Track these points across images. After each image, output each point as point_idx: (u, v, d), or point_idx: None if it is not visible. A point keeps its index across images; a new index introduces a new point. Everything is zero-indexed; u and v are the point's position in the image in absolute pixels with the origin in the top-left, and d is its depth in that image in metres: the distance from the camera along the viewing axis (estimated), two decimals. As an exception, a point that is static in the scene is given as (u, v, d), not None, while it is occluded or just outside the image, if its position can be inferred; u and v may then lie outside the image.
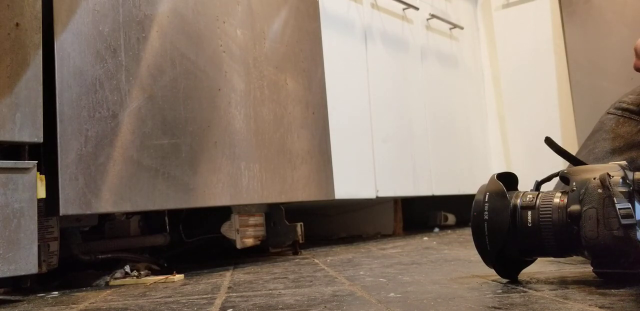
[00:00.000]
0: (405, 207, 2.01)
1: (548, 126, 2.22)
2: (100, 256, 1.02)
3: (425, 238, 1.63)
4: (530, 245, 0.69)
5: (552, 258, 0.91)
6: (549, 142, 0.77)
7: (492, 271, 0.73)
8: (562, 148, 0.75)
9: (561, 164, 1.89)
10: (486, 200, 0.70)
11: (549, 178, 0.74)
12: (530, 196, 0.69)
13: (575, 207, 0.65)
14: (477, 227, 0.70)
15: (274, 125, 1.20)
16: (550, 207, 0.67)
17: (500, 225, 0.68)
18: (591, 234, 0.63)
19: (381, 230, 1.96)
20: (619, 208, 0.62)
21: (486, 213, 0.69)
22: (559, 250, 0.68)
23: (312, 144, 1.31)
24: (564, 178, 0.69)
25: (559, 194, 0.68)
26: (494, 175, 0.72)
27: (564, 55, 2.15)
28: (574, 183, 0.67)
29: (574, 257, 0.72)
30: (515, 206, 0.69)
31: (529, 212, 0.68)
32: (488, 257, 0.71)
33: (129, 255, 1.07)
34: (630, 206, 0.62)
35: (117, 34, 0.93)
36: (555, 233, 0.67)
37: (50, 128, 0.83)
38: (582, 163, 0.74)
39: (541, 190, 0.73)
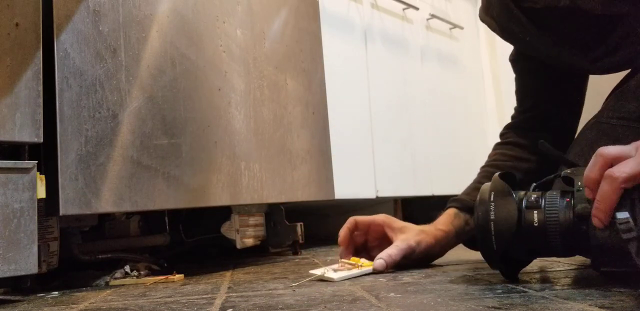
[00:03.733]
0: (405, 207, 2.01)
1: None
2: (100, 256, 1.02)
3: (425, 238, 1.63)
4: (536, 245, 0.69)
5: (553, 258, 0.91)
6: (543, 146, 0.76)
7: (492, 271, 0.73)
8: (558, 152, 0.75)
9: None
10: (492, 199, 0.69)
11: (545, 182, 0.73)
12: (535, 196, 0.69)
13: (583, 206, 0.64)
14: (483, 227, 0.69)
15: (274, 125, 1.20)
16: (556, 206, 0.67)
17: (509, 225, 0.67)
18: (602, 233, 0.62)
19: (381, 230, 1.95)
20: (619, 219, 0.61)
21: (492, 212, 0.68)
22: (565, 249, 0.68)
23: (312, 144, 1.31)
24: (567, 178, 0.69)
25: (563, 194, 0.68)
26: (496, 174, 0.72)
27: (564, 55, 2.15)
28: (579, 183, 0.66)
29: (575, 257, 0.72)
30: (520, 205, 0.69)
31: (535, 212, 0.67)
32: (494, 258, 0.70)
33: (129, 255, 1.07)
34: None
35: (117, 34, 0.93)
36: (562, 233, 0.66)
37: (50, 128, 0.83)
38: (578, 166, 0.73)
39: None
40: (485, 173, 1.03)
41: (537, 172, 0.98)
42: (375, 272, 0.88)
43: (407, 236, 0.92)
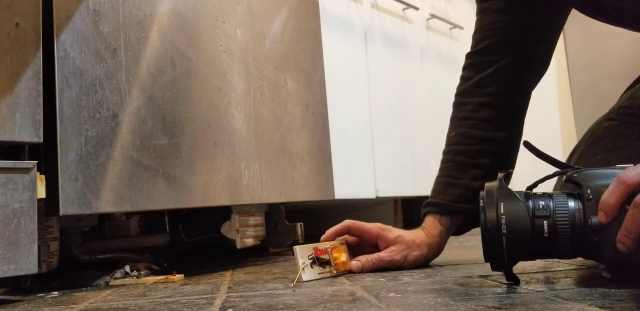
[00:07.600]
0: (405, 207, 2.01)
1: (548, 126, 2.21)
2: (100, 256, 1.02)
3: (425, 238, 1.63)
4: (545, 253, 0.68)
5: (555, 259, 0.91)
6: (528, 146, 0.75)
7: (492, 271, 0.73)
8: (543, 152, 0.74)
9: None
10: (502, 212, 0.66)
11: (535, 185, 0.71)
12: (542, 203, 0.66)
13: (597, 222, 0.63)
14: (493, 238, 0.66)
15: (274, 125, 1.20)
16: (567, 215, 0.65)
17: (522, 239, 0.65)
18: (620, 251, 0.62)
19: (381, 230, 1.95)
20: None
21: (504, 226, 0.65)
22: (571, 255, 0.68)
23: (312, 144, 1.31)
24: (574, 181, 0.67)
25: (572, 198, 0.66)
26: (500, 176, 0.69)
27: (564, 56, 2.15)
28: (589, 191, 0.65)
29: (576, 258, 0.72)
30: (529, 213, 0.66)
31: (545, 222, 0.65)
32: (505, 269, 0.69)
33: (129, 255, 1.07)
34: None
35: (117, 34, 0.93)
36: (573, 241, 0.65)
37: (50, 128, 0.83)
38: (567, 166, 0.72)
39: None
40: (451, 163, 0.99)
41: (505, 154, 0.97)
42: (350, 272, 0.89)
43: (395, 248, 0.92)
